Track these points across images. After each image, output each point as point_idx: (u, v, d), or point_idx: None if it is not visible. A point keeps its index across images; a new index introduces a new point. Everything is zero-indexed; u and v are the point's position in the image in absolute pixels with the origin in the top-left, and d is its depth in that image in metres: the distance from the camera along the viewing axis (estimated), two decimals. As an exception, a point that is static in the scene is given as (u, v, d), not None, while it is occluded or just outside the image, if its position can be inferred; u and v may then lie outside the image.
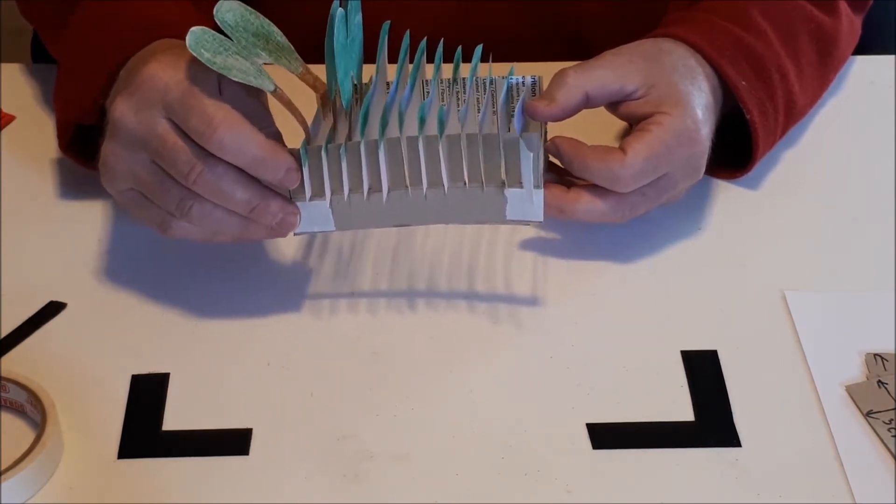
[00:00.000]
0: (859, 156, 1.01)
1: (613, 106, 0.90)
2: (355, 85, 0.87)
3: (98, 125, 0.88)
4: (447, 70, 0.89)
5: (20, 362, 0.83)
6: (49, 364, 0.83)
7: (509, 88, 0.89)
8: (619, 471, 0.77)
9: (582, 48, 1.04)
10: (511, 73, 0.89)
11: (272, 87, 0.82)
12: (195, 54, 0.80)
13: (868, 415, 0.80)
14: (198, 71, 0.81)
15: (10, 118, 1.04)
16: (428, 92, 0.88)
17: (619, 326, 0.87)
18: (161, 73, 0.82)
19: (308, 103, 0.85)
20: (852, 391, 0.81)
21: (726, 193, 0.97)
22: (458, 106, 0.86)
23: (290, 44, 0.85)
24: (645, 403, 0.81)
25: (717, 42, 0.93)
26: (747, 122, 0.93)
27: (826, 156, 1.00)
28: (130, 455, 0.78)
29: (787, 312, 0.87)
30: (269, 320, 0.87)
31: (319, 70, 0.85)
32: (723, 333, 0.86)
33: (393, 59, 0.89)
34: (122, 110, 0.83)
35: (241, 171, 0.81)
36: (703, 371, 0.83)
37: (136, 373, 0.83)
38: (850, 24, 1.03)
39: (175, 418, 0.81)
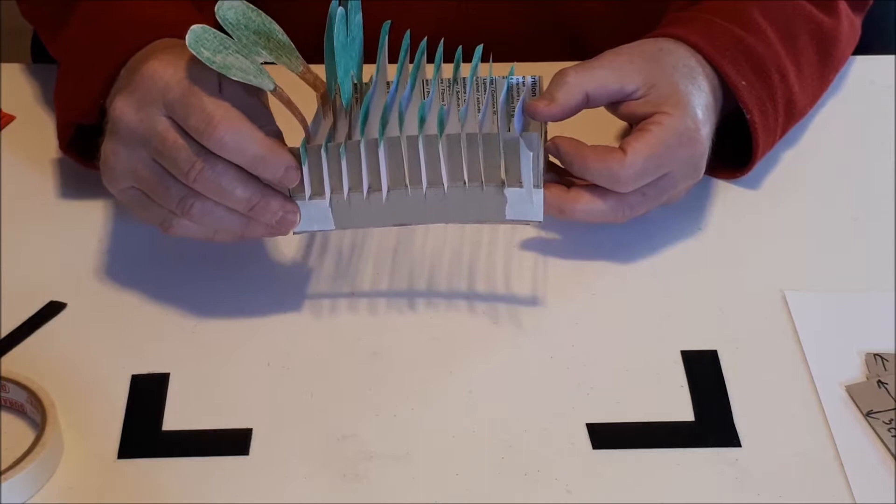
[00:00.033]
0: (859, 156, 1.01)
1: (613, 106, 0.90)
2: (355, 84, 0.87)
3: (98, 125, 0.88)
4: (447, 70, 0.89)
5: (20, 362, 0.83)
6: (49, 364, 0.83)
7: (509, 88, 0.89)
8: (619, 471, 0.77)
9: (582, 48, 1.04)
10: (511, 73, 0.89)
11: (272, 86, 0.82)
12: (195, 53, 0.80)
13: (868, 415, 0.80)
14: (198, 69, 0.81)
15: (10, 118, 1.04)
16: (428, 92, 0.88)
17: (619, 326, 0.87)
18: (161, 71, 0.82)
19: (308, 102, 0.85)
20: (852, 391, 0.81)
21: (726, 193, 0.97)
22: (459, 106, 0.87)
23: (291, 42, 0.85)
24: (645, 403, 0.81)
25: (717, 42, 0.93)
26: (747, 122, 0.93)
27: (826, 156, 1.00)
28: (130, 455, 0.78)
29: (787, 312, 0.87)
30: (269, 320, 0.87)
31: (320, 70, 0.85)
32: (723, 333, 0.86)
33: (393, 59, 0.89)
34: (123, 108, 0.83)
35: (241, 169, 0.81)
36: (703, 371, 0.83)
37: (136, 373, 0.83)
38: (850, 24, 1.03)
39: (175, 418, 0.81)
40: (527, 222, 0.85)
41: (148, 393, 0.82)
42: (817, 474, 0.77)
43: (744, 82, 0.92)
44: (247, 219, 0.83)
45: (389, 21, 0.88)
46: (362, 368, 0.84)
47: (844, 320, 0.86)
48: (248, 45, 0.83)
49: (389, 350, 0.85)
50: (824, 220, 0.95)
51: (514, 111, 0.86)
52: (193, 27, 0.81)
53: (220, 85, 0.81)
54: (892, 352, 0.84)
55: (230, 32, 0.83)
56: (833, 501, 0.76)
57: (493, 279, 0.90)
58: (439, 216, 0.84)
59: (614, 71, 0.89)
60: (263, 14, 0.85)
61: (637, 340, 0.85)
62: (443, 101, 0.88)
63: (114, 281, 0.90)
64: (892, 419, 0.79)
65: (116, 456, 0.78)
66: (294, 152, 0.81)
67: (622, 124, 0.97)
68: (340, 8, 0.83)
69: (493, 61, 0.91)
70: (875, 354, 0.84)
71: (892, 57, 1.09)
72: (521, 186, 0.82)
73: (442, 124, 0.81)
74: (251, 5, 0.85)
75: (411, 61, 0.88)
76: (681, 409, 0.81)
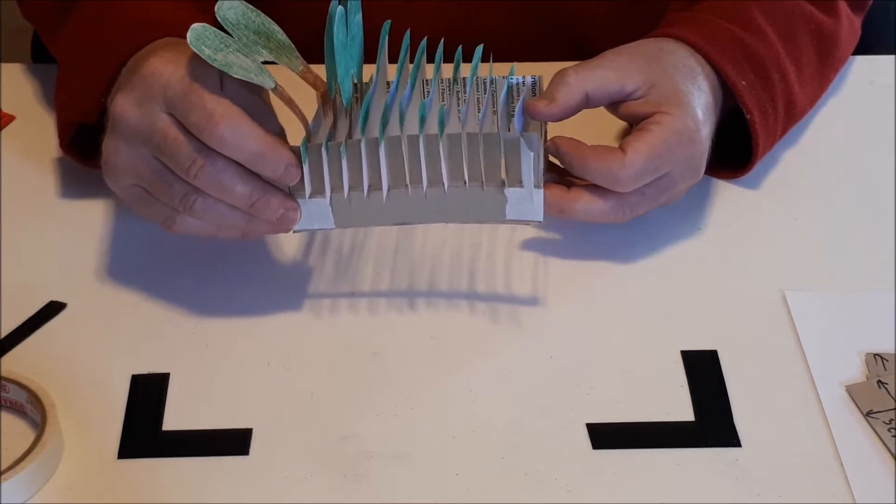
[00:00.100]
0: (859, 156, 1.01)
1: (614, 106, 0.90)
2: (355, 84, 0.87)
3: (99, 124, 0.88)
4: (447, 70, 0.89)
5: (20, 362, 0.83)
6: (49, 364, 0.83)
7: (510, 88, 0.89)
8: (619, 471, 0.77)
9: (582, 48, 1.04)
10: (511, 73, 0.89)
11: (273, 85, 0.82)
12: (196, 51, 0.80)
13: (868, 415, 0.80)
14: (199, 67, 0.81)
15: (10, 118, 1.04)
16: (428, 92, 0.88)
17: (619, 326, 0.86)
18: (162, 68, 0.82)
19: (309, 102, 0.85)
20: (852, 391, 0.81)
21: (726, 193, 0.97)
22: (459, 105, 0.87)
23: (290, 42, 0.86)
24: (645, 403, 0.81)
25: (717, 42, 0.93)
26: (747, 122, 0.93)
27: (826, 156, 1.00)
28: (130, 455, 0.78)
29: (787, 312, 0.87)
30: (269, 320, 0.87)
31: (320, 70, 0.85)
32: (723, 333, 0.86)
33: (393, 59, 0.89)
34: (124, 105, 0.83)
35: (242, 166, 0.81)
36: (703, 371, 0.83)
37: (136, 373, 0.83)
38: (850, 24, 1.03)
39: (175, 418, 0.81)
40: (527, 222, 0.85)
41: (148, 393, 0.82)
42: (817, 474, 0.77)
43: (744, 82, 0.92)
44: (248, 216, 0.83)
45: (389, 21, 0.88)
46: (362, 368, 0.84)
47: (844, 320, 0.86)
48: (248, 45, 0.83)
49: (389, 350, 0.85)
50: (824, 220, 0.95)
51: (514, 111, 0.86)
52: (195, 25, 0.81)
53: (221, 83, 0.81)
54: (892, 352, 0.84)
55: (230, 32, 0.83)
56: (833, 501, 0.76)
57: (493, 279, 0.90)
58: (439, 216, 0.84)
59: (614, 71, 0.89)
60: (263, 14, 0.85)
61: (637, 340, 0.85)
62: (443, 100, 0.88)
63: (114, 281, 0.90)
64: (892, 419, 0.79)
65: (116, 456, 0.78)
66: (295, 150, 0.81)
67: (622, 124, 0.97)
68: (340, 7, 0.83)
69: (494, 61, 0.91)
70: (875, 354, 0.84)
71: (892, 57, 1.09)
72: (521, 186, 0.82)
73: (442, 124, 0.81)
74: (251, 6, 0.85)
75: (411, 61, 0.88)
76: (681, 409, 0.81)
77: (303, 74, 0.85)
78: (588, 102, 0.88)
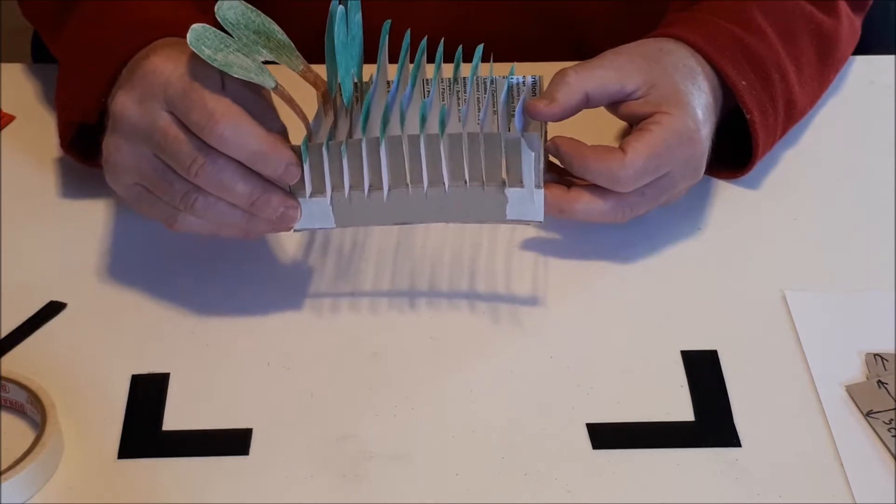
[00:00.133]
0: (859, 156, 1.01)
1: (614, 106, 0.90)
2: (356, 83, 0.87)
3: (100, 124, 0.88)
4: (448, 70, 0.89)
5: (20, 362, 0.83)
6: (49, 364, 0.83)
7: (510, 88, 0.89)
8: (619, 471, 0.77)
9: (582, 48, 1.04)
10: (511, 73, 0.89)
11: (273, 84, 0.82)
12: (196, 51, 0.80)
13: (868, 415, 0.80)
14: (200, 65, 0.81)
15: (10, 118, 1.04)
16: (428, 91, 0.88)
17: (619, 326, 0.86)
18: (162, 66, 0.82)
19: (309, 101, 0.85)
20: (852, 391, 0.81)
21: (726, 193, 0.97)
22: (459, 105, 0.87)
23: (290, 41, 0.86)
24: (645, 403, 0.81)
25: (717, 42, 0.93)
26: (747, 122, 0.93)
27: (826, 156, 1.00)
28: (130, 455, 0.78)
29: (787, 312, 0.87)
30: (269, 320, 0.87)
31: (320, 70, 0.85)
32: (723, 333, 0.86)
33: (393, 59, 0.89)
34: (124, 103, 0.83)
35: (242, 165, 0.81)
36: (703, 371, 0.83)
37: (136, 373, 0.83)
38: (850, 24, 1.03)
39: (175, 418, 0.81)
40: (527, 222, 0.85)
41: (148, 393, 0.82)
42: (817, 474, 0.77)
43: (744, 82, 0.92)
44: (249, 214, 0.83)
45: (390, 20, 0.88)
46: (362, 368, 0.84)
47: (844, 320, 0.86)
48: (248, 45, 0.83)
49: (389, 350, 0.85)
50: (824, 220, 0.95)
51: (514, 111, 0.86)
52: (194, 26, 0.81)
53: (223, 82, 0.81)
54: (892, 352, 0.84)
55: (230, 32, 0.83)
56: (833, 501, 0.76)
57: (493, 279, 0.90)
58: (440, 215, 0.84)
59: (614, 71, 0.89)
60: (263, 14, 0.85)
61: (637, 340, 0.85)
62: (443, 100, 0.88)
63: (114, 281, 0.90)
64: (892, 419, 0.79)
65: (116, 456, 0.78)
66: (295, 150, 0.81)
67: (622, 124, 0.97)
68: (341, 7, 0.83)
69: (494, 61, 0.91)
70: (875, 354, 0.84)
71: (892, 57, 1.09)
72: (522, 186, 0.82)
73: (443, 124, 0.81)
74: (250, 6, 0.85)
75: (412, 61, 0.88)
76: (681, 409, 0.81)
77: (303, 74, 0.85)
78: (588, 102, 0.88)
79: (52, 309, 0.88)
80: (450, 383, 0.83)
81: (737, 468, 0.77)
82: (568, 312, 0.87)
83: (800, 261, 0.91)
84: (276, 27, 0.86)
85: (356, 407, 0.81)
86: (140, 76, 0.83)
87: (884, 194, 0.96)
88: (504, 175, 0.82)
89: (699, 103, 0.89)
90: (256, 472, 0.77)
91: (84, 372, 0.83)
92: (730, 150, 0.95)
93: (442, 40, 0.89)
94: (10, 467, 0.75)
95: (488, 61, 0.90)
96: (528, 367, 0.84)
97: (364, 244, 0.92)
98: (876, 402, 0.80)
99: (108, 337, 0.86)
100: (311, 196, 0.83)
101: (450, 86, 0.88)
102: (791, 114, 0.97)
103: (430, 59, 0.89)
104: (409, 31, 0.89)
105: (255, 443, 0.79)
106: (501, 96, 0.86)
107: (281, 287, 0.89)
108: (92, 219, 0.94)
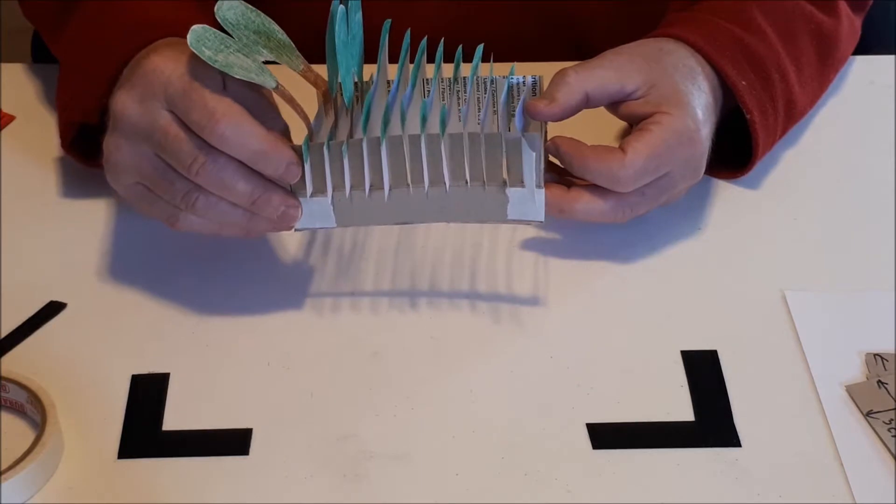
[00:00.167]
0: (859, 156, 1.01)
1: (614, 106, 0.90)
2: (356, 83, 0.87)
3: (100, 124, 0.88)
4: (448, 70, 0.89)
5: (20, 362, 0.83)
6: (49, 364, 0.83)
7: (510, 88, 0.89)
8: (619, 471, 0.77)
9: (582, 48, 1.04)
10: (511, 73, 0.89)
11: (274, 84, 0.82)
12: (196, 52, 0.80)
13: (868, 415, 0.80)
14: (200, 65, 0.81)
15: (10, 118, 1.04)
16: (429, 91, 0.88)
17: (619, 326, 0.87)
18: (163, 66, 0.82)
19: (310, 101, 0.85)
20: (852, 391, 0.81)
21: (726, 193, 0.97)
22: (459, 105, 0.87)
23: (290, 41, 0.86)
24: (645, 403, 0.81)
25: (717, 42, 0.93)
26: (747, 122, 0.93)
27: (826, 156, 1.00)
28: (130, 455, 0.78)
29: (787, 312, 0.87)
30: (269, 320, 0.87)
31: (321, 70, 0.85)
32: (723, 333, 0.86)
33: (394, 59, 0.89)
34: (125, 102, 0.83)
35: (243, 164, 0.81)
36: (703, 371, 0.83)
37: (136, 373, 0.83)
38: (850, 24, 1.03)
39: (175, 418, 0.81)
40: (528, 222, 0.85)
41: (148, 393, 0.82)
42: (817, 474, 0.77)
43: (744, 82, 0.92)
44: (249, 213, 0.83)
45: (390, 20, 0.88)
46: (362, 368, 0.84)
47: (844, 320, 0.86)
48: (248, 45, 0.83)
49: (390, 350, 0.85)
50: (824, 220, 0.95)
51: (514, 111, 0.86)
52: (194, 27, 0.81)
53: (224, 82, 0.81)
54: (892, 352, 0.84)
55: (230, 32, 0.83)
56: (833, 501, 0.76)
57: (493, 279, 0.90)
58: (441, 215, 0.84)
59: (614, 71, 0.89)
60: (263, 14, 0.86)
61: (637, 340, 0.85)
62: (443, 100, 0.88)
63: (114, 281, 0.90)
64: (892, 419, 0.79)
65: (116, 456, 0.78)
66: (296, 149, 0.81)
67: (622, 124, 0.97)
68: (341, 6, 0.83)
69: (494, 61, 0.91)
70: (875, 354, 0.84)
71: (892, 57, 1.09)
72: (522, 186, 0.82)
73: (444, 123, 0.81)
74: (250, 6, 0.85)
75: (412, 61, 0.88)
76: (681, 409, 0.81)
77: (304, 73, 0.85)
78: (588, 102, 0.88)
79: (52, 309, 0.88)
80: (450, 383, 0.83)
81: (737, 468, 0.77)
82: (568, 312, 0.87)
83: (800, 261, 0.91)
84: (276, 27, 0.86)
85: (356, 407, 0.81)
86: (140, 76, 0.83)
87: (884, 194, 0.96)
88: (505, 175, 0.83)
89: (699, 103, 0.89)
90: (256, 472, 0.77)
91: (84, 372, 0.83)
92: (730, 150, 0.95)
93: (442, 40, 0.89)
94: (10, 467, 0.75)
95: (488, 61, 0.90)
96: (529, 367, 0.84)
97: (364, 244, 0.92)
98: (876, 402, 0.81)
99: (108, 337, 0.86)
100: (311, 195, 0.83)
101: (450, 86, 0.88)
102: (791, 114, 0.97)
103: (431, 59, 0.89)
104: (409, 31, 0.89)
105: (255, 443, 0.79)
106: (501, 96, 0.86)
107: (281, 287, 0.89)
108: (92, 219, 0.94)
